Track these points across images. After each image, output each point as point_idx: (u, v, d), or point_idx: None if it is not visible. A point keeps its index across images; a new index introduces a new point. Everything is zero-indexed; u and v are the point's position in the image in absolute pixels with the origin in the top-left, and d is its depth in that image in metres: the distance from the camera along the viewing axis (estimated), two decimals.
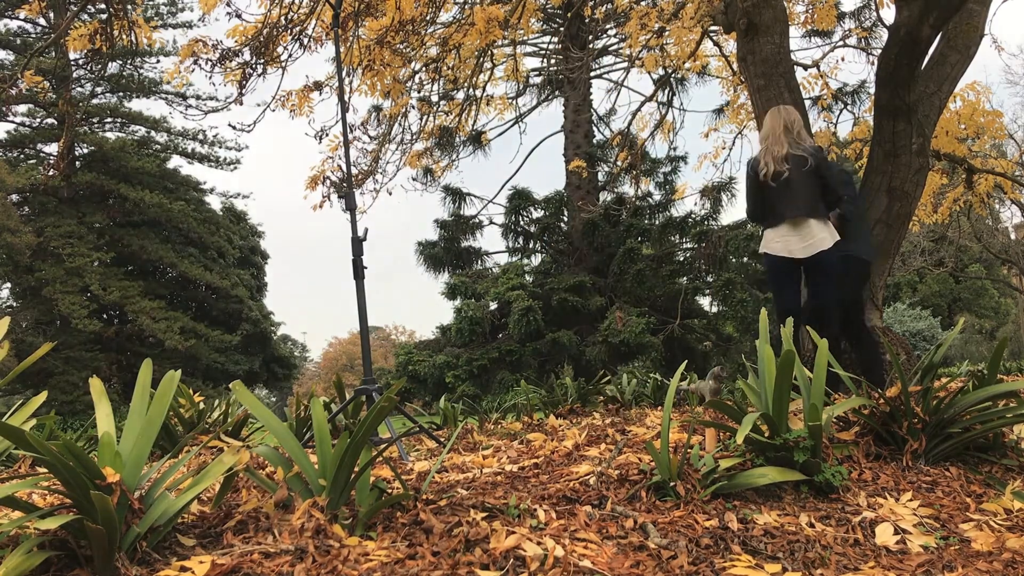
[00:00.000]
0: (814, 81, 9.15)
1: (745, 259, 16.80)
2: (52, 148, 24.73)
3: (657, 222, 18.18)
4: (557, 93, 18.64)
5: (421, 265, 18.50)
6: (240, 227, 29.63)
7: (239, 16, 6.12)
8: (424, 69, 7.79)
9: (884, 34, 6.91)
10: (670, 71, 10.09)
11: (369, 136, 8.95)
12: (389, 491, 1.96)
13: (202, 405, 4.35)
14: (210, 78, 6.23)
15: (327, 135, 6.98)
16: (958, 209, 11.27)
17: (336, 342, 51.33)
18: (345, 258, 3.38)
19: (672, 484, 2.06)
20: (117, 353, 24.42)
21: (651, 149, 17.55)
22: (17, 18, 23.91)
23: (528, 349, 16.11)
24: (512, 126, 16.99)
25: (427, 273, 18.60)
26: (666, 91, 11.37)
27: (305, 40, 6.34)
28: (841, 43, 9.95)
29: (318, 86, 6.86)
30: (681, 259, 17.95)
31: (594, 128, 18.54)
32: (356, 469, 1.82)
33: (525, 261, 18.74)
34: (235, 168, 27.36)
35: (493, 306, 17.31)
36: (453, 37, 7.20)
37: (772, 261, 4.15)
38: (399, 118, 8.40)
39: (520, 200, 17.69)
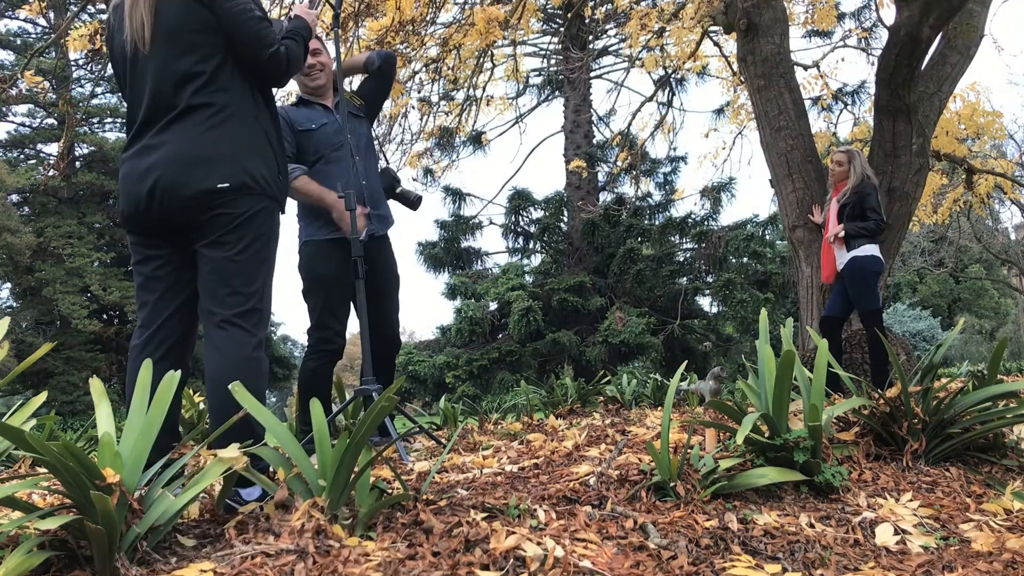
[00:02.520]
0: (814, 81, 9.15)
1: (745, 259, 16.79)
2: (52, 148, 24.69)
3: (657, 222, 18.15)
4: (557, 93, 18.62)
5: (421, 265, 18.52)
6: None
7: None
8: (424, 69, 7.79)
9: (884, 34, 6.91)
10: (670, 71, 10.10)
11: None
12: (389, 491, 1.96)
13: (202, 405, 4.35)
14: None
15: None
16: (958, 209, 11.27)
17: None
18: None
19: (672, 484, 2.06)
20: (117, 353, 24.39)
21: (651, 149, 17.55)
22: (17, 18, 23.92)
23: (528, 349, 16.09)
24: (512, 126, 17.04)
25: (427, 273, 18.64)
26: (666, 91, 11.37)
27: None
28: (841, 43, 9.96)
29: None
30: (681, 259, 17.93)
31: (594, 128, 18.51)
32: (356, 469, 1.82)
33: (525, 261, 18.72)
34: None
35: (493, 306, 17.29)
36: (453, 37, 7.20)
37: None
38: (399, 118, 8.41)
39: (520, 200, 17.67)
